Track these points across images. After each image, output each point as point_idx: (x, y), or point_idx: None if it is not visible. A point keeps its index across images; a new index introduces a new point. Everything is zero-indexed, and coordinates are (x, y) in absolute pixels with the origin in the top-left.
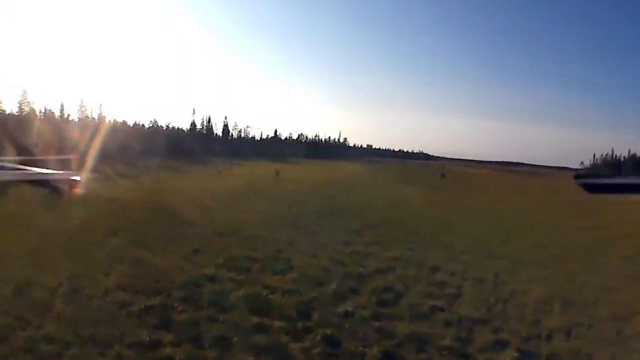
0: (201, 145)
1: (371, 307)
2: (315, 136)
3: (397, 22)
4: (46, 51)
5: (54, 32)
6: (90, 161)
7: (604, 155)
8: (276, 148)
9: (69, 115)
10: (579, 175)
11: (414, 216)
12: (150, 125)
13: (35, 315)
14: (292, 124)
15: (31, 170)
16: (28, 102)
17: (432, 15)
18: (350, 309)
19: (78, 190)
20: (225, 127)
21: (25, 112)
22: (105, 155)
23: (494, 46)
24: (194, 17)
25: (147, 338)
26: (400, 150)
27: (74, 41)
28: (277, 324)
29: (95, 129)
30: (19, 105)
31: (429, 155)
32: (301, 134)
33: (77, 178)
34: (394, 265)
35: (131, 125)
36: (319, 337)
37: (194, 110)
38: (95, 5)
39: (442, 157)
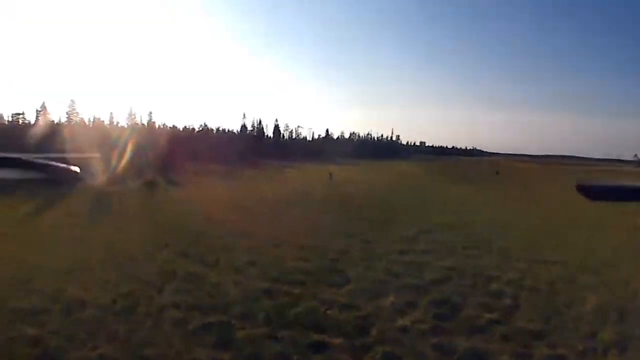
0: (252, 148)
1: (429, 322)
2: (368, 134)
3: (444, 16)
4: (93, 60)
5: (101, 41)
6: (138, 168)
7: None
8: (328, 148)
9: (117, 122)
10: (581, 187)
11: (468, 219)
12: (200, 128)
13: (89, 335)
14: (343, 123)
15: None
16: (76, 112)
17: (478, 10)
18: (408, 323)
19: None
20: (276, 128)
21: (74, 122)
22: (154, 161)
23: (542, 38)
24: (240, 20)
25: (206, 358)
26: (453, 147)
27: (121, 48)
28: (336, 341)
29: (145, 135)
30: (67, 115)
31: (482, 151)
32: (353, 132)
33: (77, 169)
34: (450, 275)
35: (181, 129)
36: (378, 355)
37: (244, 114)
38: (142, 11)
39: (495, 153)
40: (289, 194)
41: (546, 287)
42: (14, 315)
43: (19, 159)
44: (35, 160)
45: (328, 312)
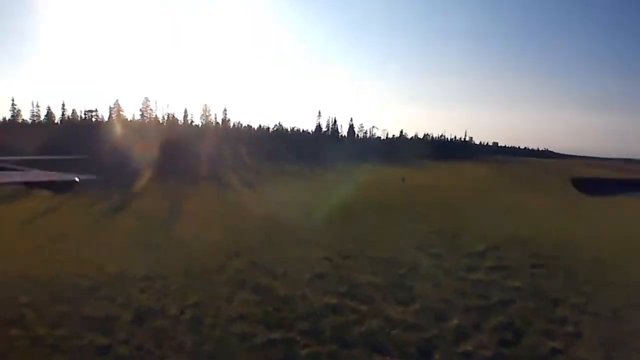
0: (327, 148)
1: (492, 348)
2: (441, 136)
3: (515, 17)
4: (168, 58)
5: (176, 38)
6: (210, 167)
7: None
8: (402, 149)
9: (192, 120)
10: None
11: (537, 233)
12: (275, 128)
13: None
14: (418, 123)
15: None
16: (150, 109)
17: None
18: (471, 348)
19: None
20: (351, 128)
21: (147, 119)
22: (229, 161)
23: (619, 39)
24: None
25: None
26: (525, 147)
27: (196, 46)
28: None
29: (219, 134)
30: (140, 112)
31: (553, 152)
32: (426, 134)
33: (77, 179)
34: (515, 297)
35: (256, 128)
36: None
37: (319, 112)
38: (217, 9)
39: (567, 155)
40: (361, 199)
41: (610, 314)
42: (85, 323)
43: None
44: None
45: (392, 332)
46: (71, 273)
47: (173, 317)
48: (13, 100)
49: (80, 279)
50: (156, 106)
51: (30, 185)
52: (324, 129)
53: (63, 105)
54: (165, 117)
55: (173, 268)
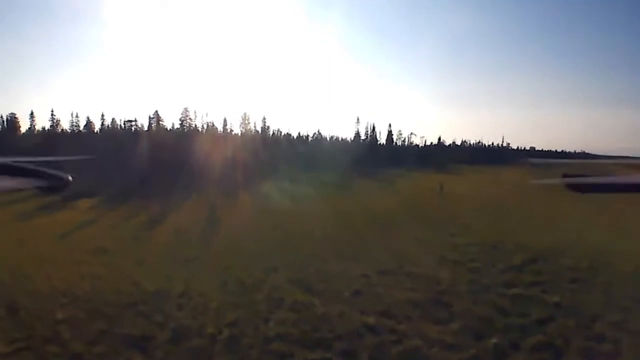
0: (366, 156)
1: None
2: (478, 142)
3: (550, 15)
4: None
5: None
6: (248, 177)
7: None
8: (440, 155)
9: (231, 129)
10: (566, 175)
11: (575, 244)
12: (314, 136)
13: None
14: (455, 129)
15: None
16: (189, 118)
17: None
18: None
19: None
20: (389, 135)
21: (187, 129)
22: (268, 170)
23: None
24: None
25: None
26: (562, 151)
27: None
28: None
29: (259, 142)
30: (180, 122)
31: (589, 154)
32: (464, 140)
33: (69, 177)
34: (554, 314)
35: (295, 136)
36: None
37: (357, 120)
38: (252, 18)
39: (603, 156)
40: (400, 209)
41: None
42: (122, 341)
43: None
44: (26, 166)
45: (430, 352)
46: (109, 289)
47: (210, 337)
48: (52, 111)
49: (118, 295)
50: (195, 115)
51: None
52: (363, 136)
53: (102, 115)
54: (205, 126)
55: (211, 284)
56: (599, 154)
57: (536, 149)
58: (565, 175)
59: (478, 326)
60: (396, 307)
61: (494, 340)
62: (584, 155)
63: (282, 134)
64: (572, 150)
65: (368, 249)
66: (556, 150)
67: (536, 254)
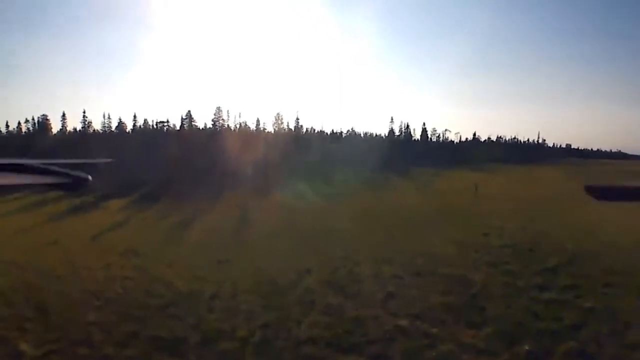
0: (400, 153)
1: None
2: (514, 138)
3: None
4: (240, 68)
5: (245, 48)
6: (280, 176)
7: None
8: (475, 152)
9: (264, 128)
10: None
11: (611, 247)
12: (348, 133)
13: None
14: (490, 125)
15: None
16: (222, 118)
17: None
18: None
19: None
20: (424, 132)
21: (219, 128)
22: (301, 168)
23: None
24: (387, 24)
25: None
26: (598, 149)
27: (265, 54)
28: None
29: (291, 141)
30: (213, 122)
31: (626, 154)
32: (499, 136)
33: (88, 176)
34: (588, 319)
35: (329, 134)
36: None
37: (391, 118)
38: (284, 17)
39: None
40: (434, 210)
41: None
42: (153, 343)
43: (26, 164)
44: (44, 166)
45: (463, 357)
46: (140, 290)
47: (242, 339)
48: (84, 112)
49: (149, 297)
50: (228, 115)
51: (45, 185)
52: (397, 133)
53: (135, 116)
54: (238, 126)
55: (242, 286)
56: (636, 153)
57: (572, 146)
58: (588, 188)
59: (511, 331)
60: (429, 310)
61: (527, 346)
62: (620, 155)
63: (315, 131)
64: (609, 149)
65: (402, 250)
66: (592, 149)
67: (571, 257)
